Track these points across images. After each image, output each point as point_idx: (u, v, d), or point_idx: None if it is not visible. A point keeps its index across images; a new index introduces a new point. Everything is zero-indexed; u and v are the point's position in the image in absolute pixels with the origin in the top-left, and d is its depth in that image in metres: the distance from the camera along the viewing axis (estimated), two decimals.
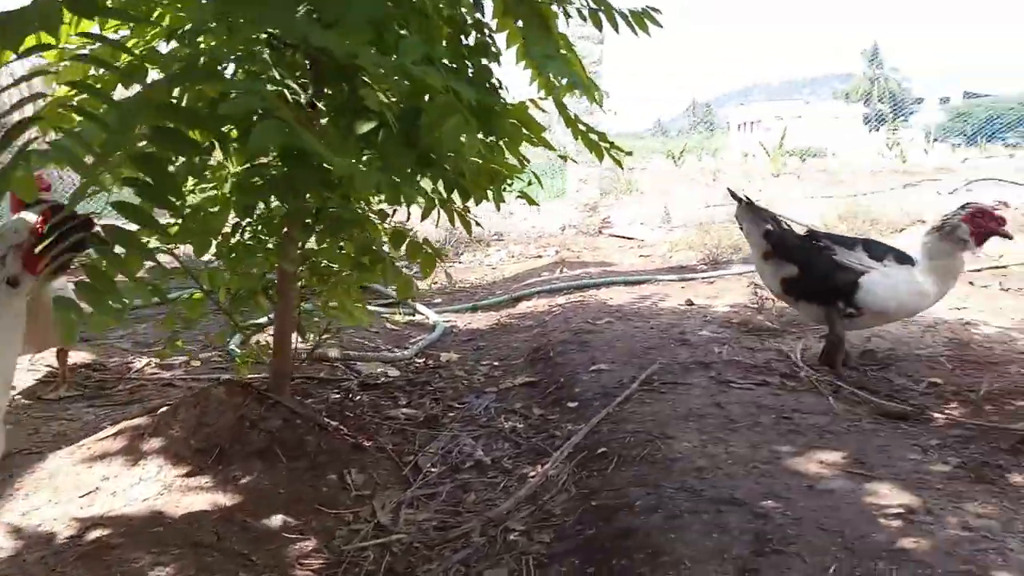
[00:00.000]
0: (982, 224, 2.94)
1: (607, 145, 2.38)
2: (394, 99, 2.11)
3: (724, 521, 1.90)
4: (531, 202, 2.72)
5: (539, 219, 9.13)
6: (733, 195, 3.29)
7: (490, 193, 2.41)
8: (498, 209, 2.52)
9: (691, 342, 3.64)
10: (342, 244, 2.70)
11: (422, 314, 4.82)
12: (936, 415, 2.62)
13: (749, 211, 3.23)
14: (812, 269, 3.11)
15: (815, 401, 2.81)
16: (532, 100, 2.37)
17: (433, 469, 2.59)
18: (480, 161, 2.34)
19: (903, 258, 3.07)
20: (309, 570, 1.99)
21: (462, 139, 1.82)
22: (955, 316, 3.93)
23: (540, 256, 6.83)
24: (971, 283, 4.58)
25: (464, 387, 3.45)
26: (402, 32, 2.00)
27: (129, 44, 2.08)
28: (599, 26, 2.25)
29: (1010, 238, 3.04)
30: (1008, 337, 3.54)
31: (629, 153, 2.57)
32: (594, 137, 2.39)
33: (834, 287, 3.06)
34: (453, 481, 2.52)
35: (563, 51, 2.21)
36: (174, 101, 1.91)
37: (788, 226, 3.34)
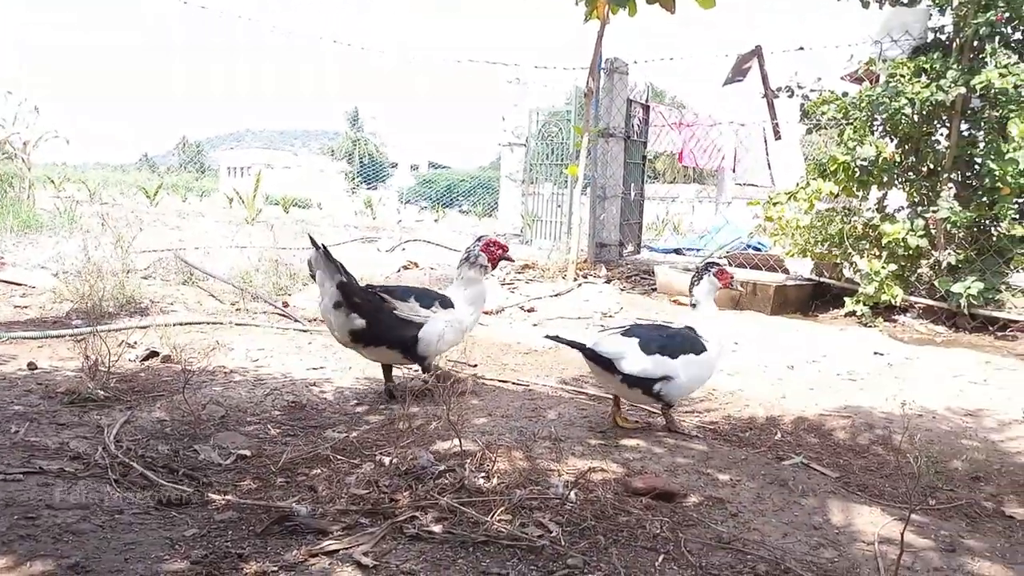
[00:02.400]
0: (493, 252, 3.61)
1: None
2: None
3: None
4: None
5: None
6: (312, 242, 3.35)
7: None
8: None
9: None
10: None
11: None
12: (216, 496, 2.43)
13: (325, 260, 3.32)
14: (378, 324, 3.39)
15: (90, 490, 2.40)
16: None
17: None
18: None
19: (446, 303, 3.53)
20: None
21: None
22: (310, 376, 3.97)
23: None
24: None
25: None
26: None
27: None
28: None
29: (512, 260, 4.05)
30: (343, 397, 3.65)
31: None
32: None
33: (400, 340, 3.42)
34: None
35: None
36: None
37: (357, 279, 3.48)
